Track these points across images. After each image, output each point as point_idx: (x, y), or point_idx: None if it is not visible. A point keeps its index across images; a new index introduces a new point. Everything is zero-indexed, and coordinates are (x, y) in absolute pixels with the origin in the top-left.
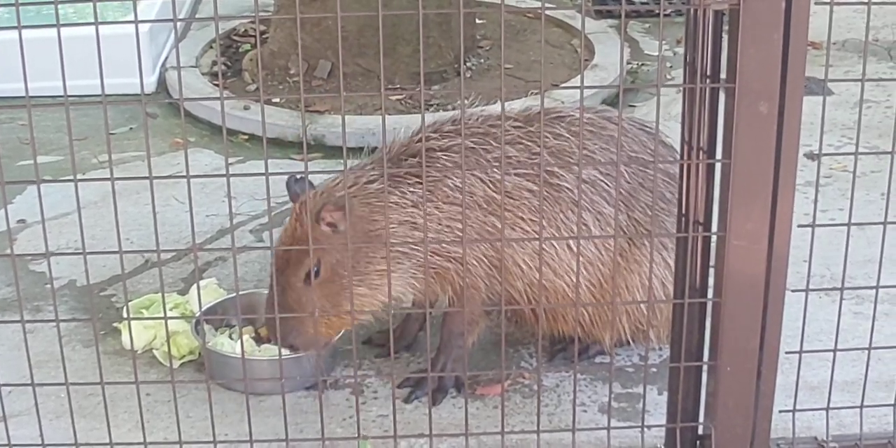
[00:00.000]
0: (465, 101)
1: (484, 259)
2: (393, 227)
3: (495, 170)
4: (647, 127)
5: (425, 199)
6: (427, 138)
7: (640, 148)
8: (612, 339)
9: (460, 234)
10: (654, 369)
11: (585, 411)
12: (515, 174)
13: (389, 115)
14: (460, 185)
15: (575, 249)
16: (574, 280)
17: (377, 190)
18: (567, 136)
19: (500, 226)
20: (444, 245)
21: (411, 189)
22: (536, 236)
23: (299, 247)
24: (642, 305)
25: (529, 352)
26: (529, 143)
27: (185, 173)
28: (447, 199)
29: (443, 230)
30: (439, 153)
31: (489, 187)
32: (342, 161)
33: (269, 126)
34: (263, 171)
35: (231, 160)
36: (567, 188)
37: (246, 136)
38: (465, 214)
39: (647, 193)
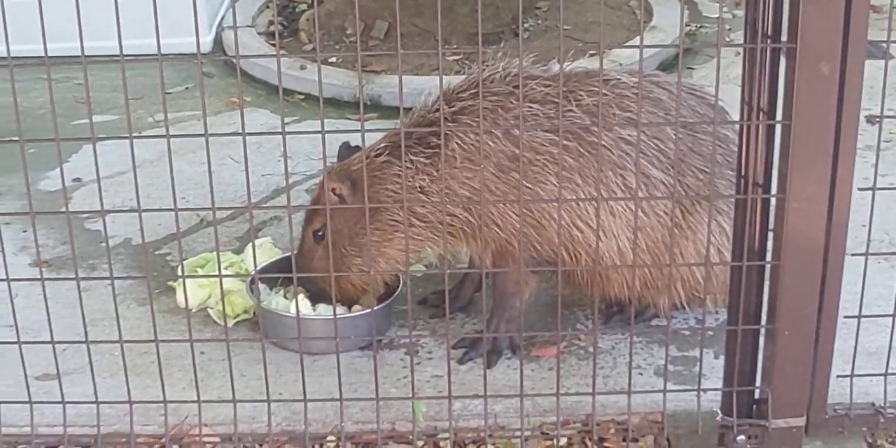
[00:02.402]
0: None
1: (511, 217)
2: (396, 195)
3: (517, 127)
4: (696, 91)
5: (443, 159)
6: (449, 102)
7: (689, 112)
8: (667, 304)
9: (475, 194)
10: (711, 333)
11: (641, 374)
12: (544, 131)
13: (446, 75)
14: (475, 144)
15: (619, 212)
16: (621, 244)
17: (382, 163)
18: (605, 93)
19: (522, 183)
20: (461, 205)
21: (415, 157)
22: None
23: (311, 206)
24: (698, 273)
25: (585, 314)
26: (562, 102)
27: (240, 132)
28: (462, 159)
29: (457, 192)
30: (456, 116)
31: (507, 144)
32: (398, 121)
33: (326, 86)
34: (319, 131)
35: (287, 120)
36: (606, 148)
37: (302, 96)
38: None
39: (698, 158)
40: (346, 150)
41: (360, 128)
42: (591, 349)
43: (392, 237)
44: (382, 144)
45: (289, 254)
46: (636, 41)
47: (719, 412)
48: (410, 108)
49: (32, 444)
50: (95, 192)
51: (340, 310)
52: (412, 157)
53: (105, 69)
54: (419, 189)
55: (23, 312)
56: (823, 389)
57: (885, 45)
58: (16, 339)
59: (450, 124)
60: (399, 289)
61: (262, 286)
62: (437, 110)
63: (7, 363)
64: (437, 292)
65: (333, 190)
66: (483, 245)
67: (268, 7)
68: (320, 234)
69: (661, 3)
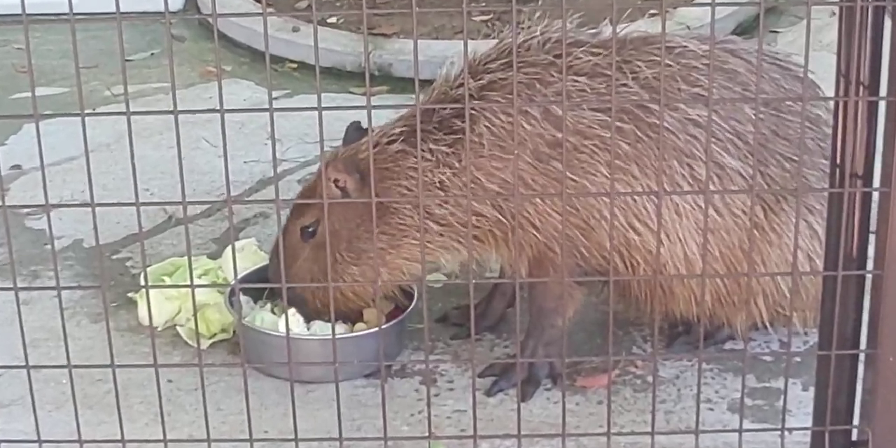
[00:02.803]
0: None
1: (552, 216)
2: (410, 193)
3: (557, 105)
4: (780, 61)
5: (467, 145)
6: (475, 74)
7: (772, 87)
8: (744, 324)
9: (507, 189)
10: (798, 359)
11: (712, 409)
12: (591, 110)
13: (472, 39)
14: (508, 127)
15: (685, 210)
16: (688, 249)
17: (396, 153)
18: (668, 64)
19: (566, 174)
20: (489, 202)
21: (435, 146)
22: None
23: (304, 200)
24: (783, 285)
25: (643, 335)
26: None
27: (218, 108)
28: (491, 146)
29: (484, 186)
30: (484, 93)
31: (547, 127)
32: (413, 96)
33: (324, 52)
34: (315, 107)
35: (276, 93)
36: (670, 130)
37: (294, 65)
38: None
39: (783, 143)
40: (356, 132)
41: (365, 104)
42: (649, 378)
43: (399, 244)
44: (398, 129)
45: None
46: None
47: None
48: (429, 82)
49: None
50: (38, 183)
51: (341, 328)
52: (431, 146)
53: (51, 31)
54: (438, 185)
55: None
56: None
57: None
58: None
59: (476, 102)
60: (413, 303)
61: (244, 298)
62: (462, 85)
63: None
64: (461, 308)
65: (336, 181)
66: (517, 251)
67: None
68: (311, 230)
69: None
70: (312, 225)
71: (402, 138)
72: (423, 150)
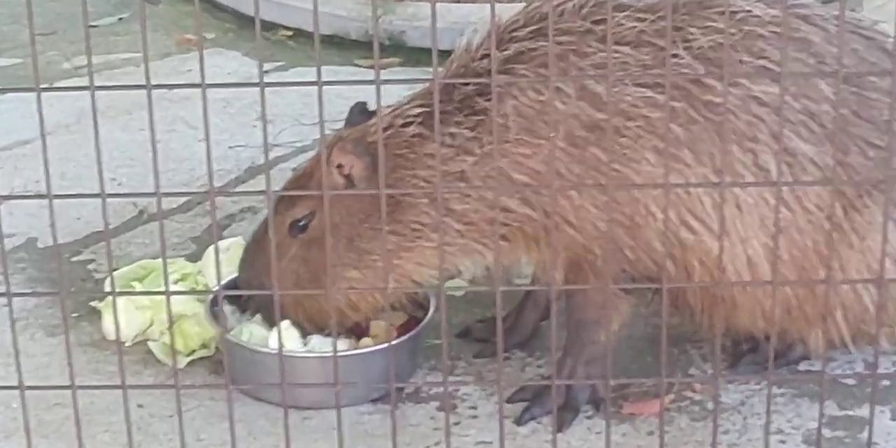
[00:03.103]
0: None
1: (591, 211)
2: (427, 186)
3: (596, 80)
4: (863, 29)
5: (495, 126)
6: (501, 43)
7: (854, 60)
8: (821, 341)
9: (539, 179)
10: (887, 382)
11: (784, 442)
12: (636, 85)
13: (500, 2)
14: (538, 106)
15: (749, 205)
16: (753, 252)
17: (412, 137)
18: (729, 32)
19: (606, 161)
20: (519, 195)
21: (456, 129)
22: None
23: (300, 192)
24: (866, 295)
25: (702, 353)
26: (663, 43)
27: (199, 83)
28: (519, 129)
29: (511, 176)
30: (511, 66)
31: (584, 106)
32: (429, 69)
33: (324, 17)
34: (315, 81)
35: (267, 66)
36: (730, 111)
37: (289, 33)
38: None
39: (867, 126)
40: (361, 115)
41: (374, 79)
42: (710, 405)
43: (411, 246)
44: (415, 109)
45: None
46: None
47: None
48: (448, 53)
49: None
50: None
51: (343, 344)
52: (452, 130)
53: None
54: (459, 175)
55: None
56: None
57: None
58: None
59: (502, 77)
60: (430, 315)
61: (228, 309)
62: (486, 56)
63: None
64: (486, 320)
65: (340, 167)
66: (552, 254)
67: None
68: (302, 224)
69: None
70: (305, 218)
71: (420, 120)
72: (443, 135)
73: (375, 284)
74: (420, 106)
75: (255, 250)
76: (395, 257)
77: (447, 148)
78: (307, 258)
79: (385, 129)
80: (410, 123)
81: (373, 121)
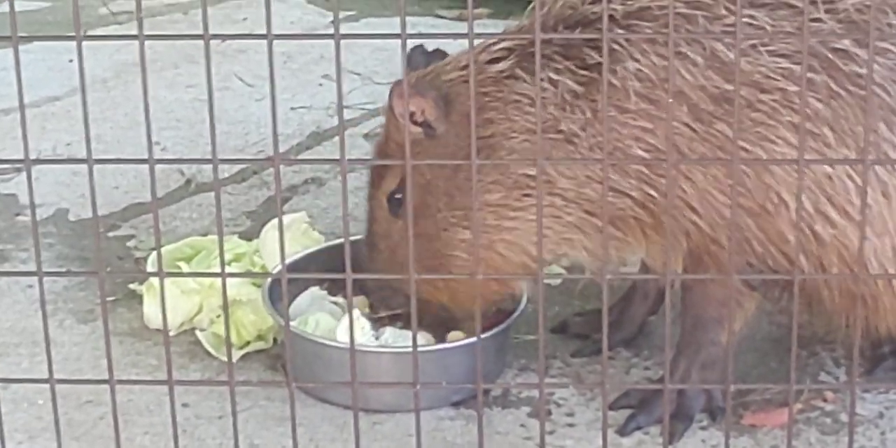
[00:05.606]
0: None
1: (716, 196)
2: (520, 138)
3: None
4: None
5: (605, 85)
6: None
7: None
8: None
9: (650, 151)
10: None
11: None
12: (772, 55)
13: None
14: (659, 73)
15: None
16: None
17: (500, 74)
18: None
19: (731, 137)
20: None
21: (559, 76)
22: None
23: (380, 161)
24: None
25: (835, 357)
26: (801, 4)
27: (263, 33)
28: (638, 97)
29: (626, 151)
30: (630, 22)
31: (711, 76)
32: (527, 18)
33: None
34: (397, 34)
35: (338, 15)
36: (878, 84)
37: None
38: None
39: None
40: (423, 56)
41: (466, 31)
42: (844, 416)
43: (522, 206)
44: (501, 44)
45: (337, 241)
46: None
47: None
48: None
49: None
50: (9, 131)
51: (422, 339)
52: (553, 76)
53: None
54: (564, 136)
55: None
56: None
57: None
58: None
59: (620, 33)
60: (521, 307)
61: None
62: (597, 1)
63: None
64: (586, 314)
65: (412, 114)
66: (670, 243)
67: None
68: (398, 197)
69: None
70: (399, 190)
71: (510, 57)
72: (541, 79)
73: (492, 241)
74: (509, 41)
75: (370, 244)
76: (500, 217)
77: (549, 94)
78: (418, 231)
79: (463, 68)
80: (499, 59)
81: (449, 59)
